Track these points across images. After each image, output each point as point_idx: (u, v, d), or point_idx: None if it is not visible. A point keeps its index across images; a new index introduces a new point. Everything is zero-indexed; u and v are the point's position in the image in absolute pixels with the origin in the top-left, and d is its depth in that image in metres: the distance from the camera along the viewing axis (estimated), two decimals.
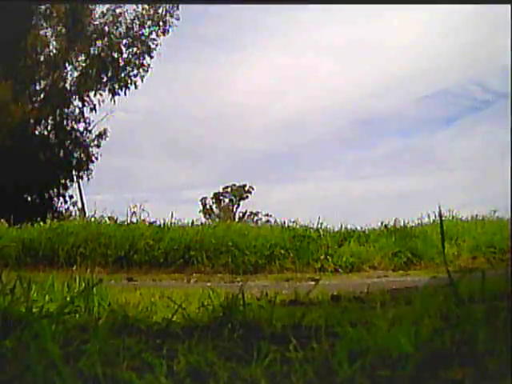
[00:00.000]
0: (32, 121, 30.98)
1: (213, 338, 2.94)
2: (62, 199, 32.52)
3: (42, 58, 32.44)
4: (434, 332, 2.28)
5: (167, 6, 32.81)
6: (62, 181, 32.43)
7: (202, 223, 20.13)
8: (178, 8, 32.91)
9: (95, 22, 32.97)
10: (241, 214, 54.25)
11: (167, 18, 33.31)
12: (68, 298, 4.69)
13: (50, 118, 32.28)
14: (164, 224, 17.75)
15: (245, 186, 56.64)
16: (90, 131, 33.64)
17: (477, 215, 19.21)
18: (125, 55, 33.49)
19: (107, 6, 32.57)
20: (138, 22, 33.40)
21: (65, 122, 32.92)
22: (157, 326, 3.61)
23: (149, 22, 33.44)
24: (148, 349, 2.58)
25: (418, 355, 2.03)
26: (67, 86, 32.97)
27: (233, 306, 3.77)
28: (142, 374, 2.06)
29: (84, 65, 32.88)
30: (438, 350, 2.15)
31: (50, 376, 1.84)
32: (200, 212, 53.50)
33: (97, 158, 33.61)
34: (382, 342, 2.14)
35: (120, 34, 33.30)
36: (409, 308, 3.27)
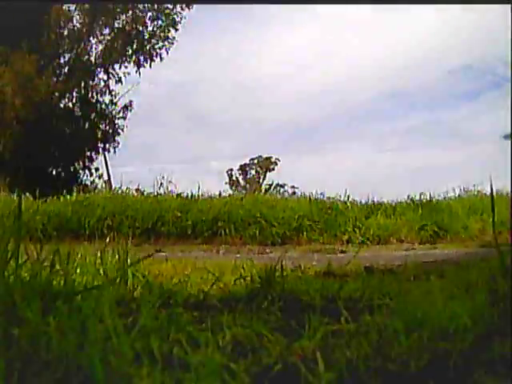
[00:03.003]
0: (57, 94, 30.97)
1: (252, 310, 2.89)
2: (87, 172, 32.57)
3: (65, 32, 32.34)
4: (488, 305, 2.21)
5: None
6: (88, 153, 32.47)
7: (229, 195, 20.11)
8: None
9: None
10: (267, 186, 54.10)
11: None
12: (101, 271, 4.66)
13: (75, 90, 32.28)
14: (191, 195, 17.75)
15: (271, 157, 56.37)
16: (116, 103, 33.53)
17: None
18: (149, 28, 33.31)
19: None
20: None
21: (90, 95, 32.85)
22: (194, 298, 3.57)
23: None
24: (190, 322, 2.53)
25: (475, 328, 1.97)
26: (92, 59, 32.91)
27: (271, 277, 3.72)
28: (188, 348, 2.00)
29: (109, 38, 32.76)
30: (494, 323, 2.09)
31: (108, 351, 1.79)
32: (226, 184, 53.44)
33: (122, 130, 33.50)
34: (438, 315, 2.07)
35: (144, 7, 33.09)
36: (457, 281, 3.20)
